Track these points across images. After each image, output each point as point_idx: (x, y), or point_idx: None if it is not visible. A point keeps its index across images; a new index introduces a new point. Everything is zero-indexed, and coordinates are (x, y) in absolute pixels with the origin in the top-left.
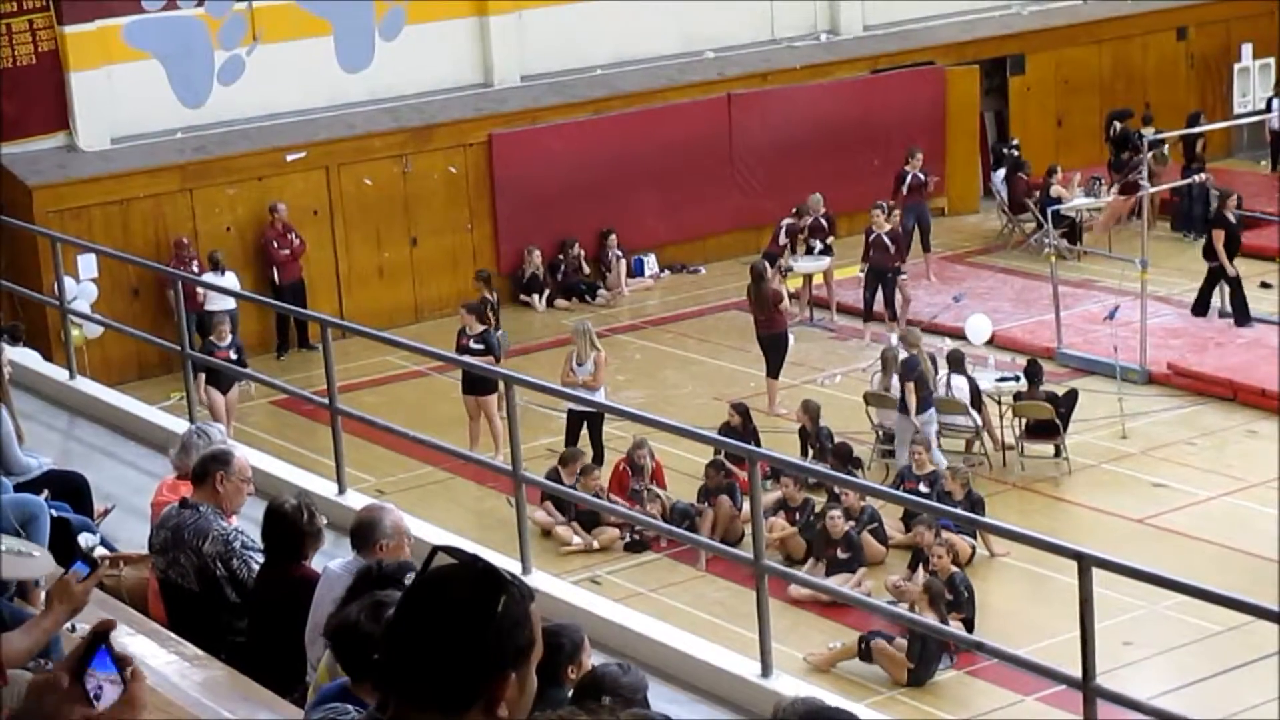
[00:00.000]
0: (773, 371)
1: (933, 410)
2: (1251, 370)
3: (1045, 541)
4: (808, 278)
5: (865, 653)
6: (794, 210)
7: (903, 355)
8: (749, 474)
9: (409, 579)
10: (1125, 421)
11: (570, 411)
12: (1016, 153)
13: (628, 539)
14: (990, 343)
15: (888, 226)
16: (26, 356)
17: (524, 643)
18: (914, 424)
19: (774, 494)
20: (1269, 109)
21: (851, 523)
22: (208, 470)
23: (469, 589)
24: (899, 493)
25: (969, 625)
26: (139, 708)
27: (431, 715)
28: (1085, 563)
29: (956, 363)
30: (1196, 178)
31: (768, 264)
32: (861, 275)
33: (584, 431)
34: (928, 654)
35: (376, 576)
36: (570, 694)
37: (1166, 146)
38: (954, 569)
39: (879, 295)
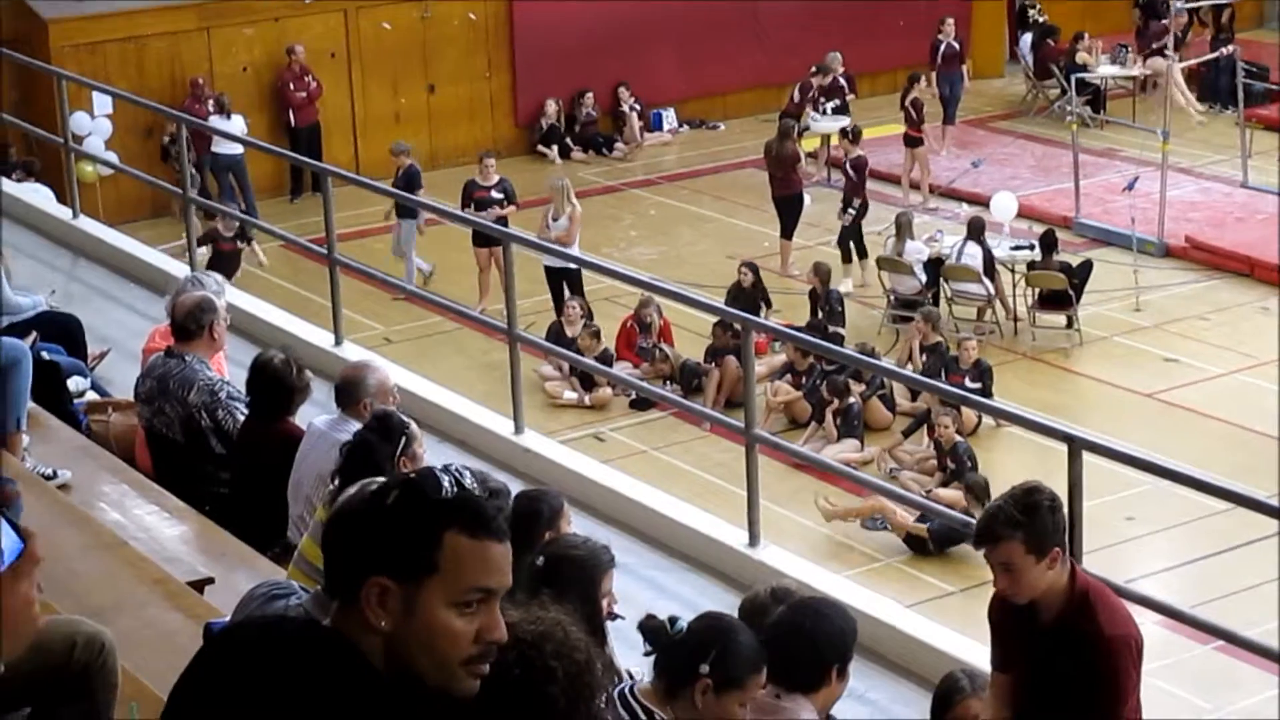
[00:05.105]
0: (786, 232)
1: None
2: (1268, 246)
3: (1036, 422)
4: (825, 138)
5: (916, 543)
6: (812, 69)
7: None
8: (744, 343)
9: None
10: (1139, 294)
11: (546, 268)
12: (1042, 18)
13: (634, 396)
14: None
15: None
16: (39, 194)
17: (410, 555)
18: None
19: (780, 357)
20: None
21: (862, 386)
22: (200, 321)
23: (388, 484)
24: (893, 367)
25: None
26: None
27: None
28: (1075, 446)
29: (976, 230)
30: (1224, 49)
31: (793, 123)
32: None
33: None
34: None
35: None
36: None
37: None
38: (958, 438)
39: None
